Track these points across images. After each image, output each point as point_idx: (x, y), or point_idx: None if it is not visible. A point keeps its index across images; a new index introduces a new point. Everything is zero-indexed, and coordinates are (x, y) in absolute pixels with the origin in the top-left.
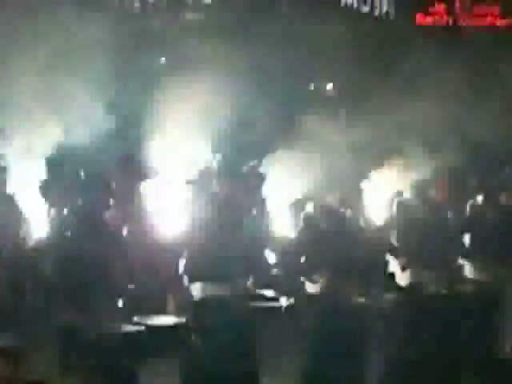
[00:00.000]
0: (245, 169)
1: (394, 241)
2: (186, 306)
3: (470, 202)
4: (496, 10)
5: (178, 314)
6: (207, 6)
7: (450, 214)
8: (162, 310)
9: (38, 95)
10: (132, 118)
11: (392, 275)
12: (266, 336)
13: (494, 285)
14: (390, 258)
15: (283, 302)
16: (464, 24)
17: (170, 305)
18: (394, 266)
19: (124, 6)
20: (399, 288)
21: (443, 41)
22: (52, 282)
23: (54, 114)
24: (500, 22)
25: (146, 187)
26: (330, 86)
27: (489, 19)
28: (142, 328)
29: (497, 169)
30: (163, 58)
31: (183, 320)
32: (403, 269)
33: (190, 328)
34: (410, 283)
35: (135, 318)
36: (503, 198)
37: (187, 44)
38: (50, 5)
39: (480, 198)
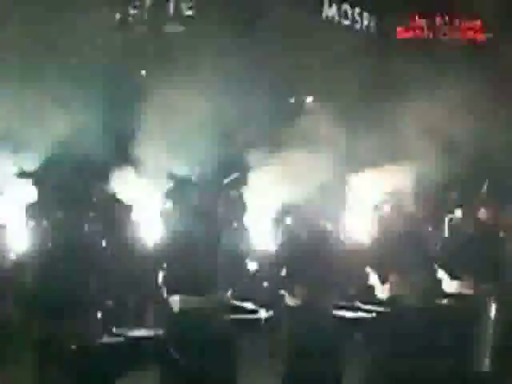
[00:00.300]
0: (225, 181)
1: (373, 254)
2: (165, 318)
3: (449, 215)
4: (477, 24)
5: (156, 326)
6: (188, 17)
7: (429, 228)
8: (141, 322)
9: (21, 108)
10: (111, 131)
11: (372, 288)
12: (244, 348)
13: (473, 298)
14: (369, 270)
15: (262, 314)
16: (444, 38)
17: (149, 317)
18: (373, 278)
19: (105, 17)
20: (379, 301)
21: (423, 54)
22: (31, 295)
23: (37, 127)
24: (481, 36)
25: (126, 200)
26: (310, 99)
27: (469, 33)
28: (122, 340)
29: (476, 183)
30: (143, 71)
31: (162, 332)
32: (383, 282)
33: (168, 340)
34: (390, 296)
35: (114, 330)
36: (482, 212)
37: (168, 56)
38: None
39: (459, 212)
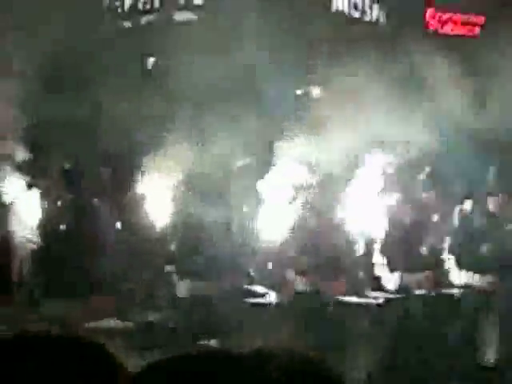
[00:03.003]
0: (237, 167)
1: (380, 243)
2: (175, 303)
3: (458, 206)
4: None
5: (167, 311)
6: (199, 6)
7: (437, 218)
8: (151, 307)
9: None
10: (122, 114)
11: (379, 277)
12: (254, 331)
13: (481, 289)
14: (376, 259)
15: (272, 298)
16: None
17: (160, 302)
18: (380, 268)
19: (115, 5)
20: (385, 290)
21: (432, 46)
22: (43, 275)
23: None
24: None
25: (138, 184)
26: (318, 90)
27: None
28: (131, 324)
29: (483, 171)
30: (152, 58)
31: (171, 316)
32: (390, 271)
33: (178, 324)
34: (397, 286)
35: (125, 314)
36: (491, 203)
37: (178, 44)
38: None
39: (468, 203)
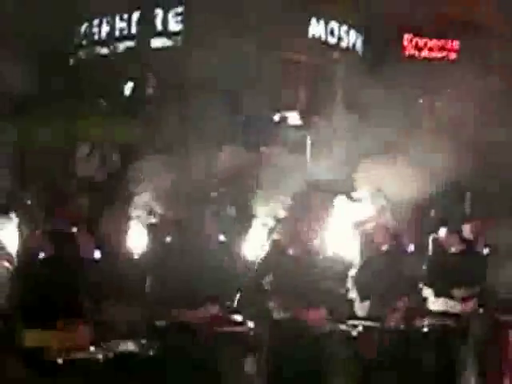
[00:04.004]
0: (212, 195)
1: (355, 271)
2: (154, 331)
3: (433, 234)
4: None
5: (144, 339)
6: (175, 33)
7: (412, 247)
8: (128, 336)
9: None
10: (99, 140)
11: (351, 303)
12: (232, 360)
13: (458, 316)
14: (350, 286)
15: (250, 326)
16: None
17: (138, 331)
18: (353, 294)
19: (92, 32)
20: (361, 318)
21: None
22: (20, 305)
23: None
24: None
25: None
26: (294, 115)
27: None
28: (110, 354)
29: (458, 199)
30: (131, 83)
31: (150, 346)
32: (362, 299)
33: (157, 354)
34: (369, 315)
35: (102, 344)
36: (466, 230)
37: (155, 69)
38: None
39: (443, 231)
